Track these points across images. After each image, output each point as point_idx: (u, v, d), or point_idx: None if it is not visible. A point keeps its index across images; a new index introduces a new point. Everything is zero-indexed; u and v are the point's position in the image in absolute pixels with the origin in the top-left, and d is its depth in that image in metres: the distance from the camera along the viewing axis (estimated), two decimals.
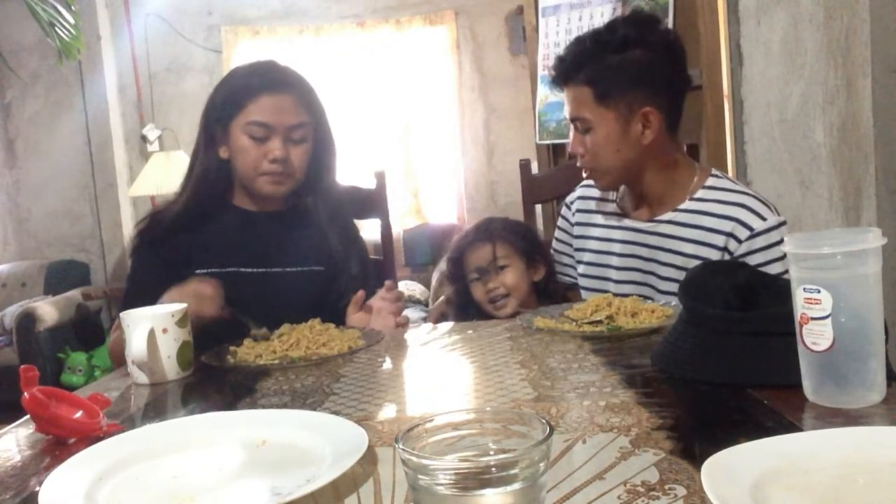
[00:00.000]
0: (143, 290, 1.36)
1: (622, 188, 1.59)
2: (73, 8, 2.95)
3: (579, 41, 1.50)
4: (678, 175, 1.51)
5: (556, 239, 1.75)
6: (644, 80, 1.44)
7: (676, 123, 1.51)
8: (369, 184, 1.89)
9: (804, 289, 0.77)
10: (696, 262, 1.41)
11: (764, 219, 1.41)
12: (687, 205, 1.48)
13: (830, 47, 2.00)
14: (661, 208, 1.51)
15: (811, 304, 0.76)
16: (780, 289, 0.87)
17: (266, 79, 1.46)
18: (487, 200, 4.69)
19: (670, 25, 2.40)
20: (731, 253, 1.42)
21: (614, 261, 1.56)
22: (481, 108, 4.73)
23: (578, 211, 1.68)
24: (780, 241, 1.39)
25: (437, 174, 4.80)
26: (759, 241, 1.40)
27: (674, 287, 1.44)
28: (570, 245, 1.69)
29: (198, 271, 1.44)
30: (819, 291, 0.76)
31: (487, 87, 4.71)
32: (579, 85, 1.46)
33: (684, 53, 1.51)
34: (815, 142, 2.14)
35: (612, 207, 1.60)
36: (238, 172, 1.50)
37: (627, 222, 1.56)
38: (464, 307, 1.65)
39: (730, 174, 1.64)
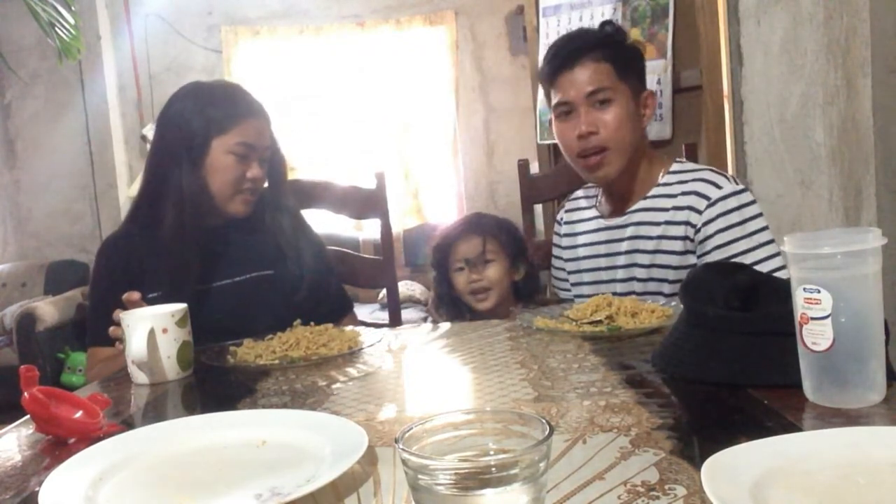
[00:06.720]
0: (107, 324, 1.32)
1: (599, 192, 1.65)
2: (73, 8, 2.95)
3: (584, 30, 1.65)
4: (647, 168, 1.56)
5: (553, 255, 1.78)
6: (642, 68, 1.58)
7: None
8: (369, 184, 1.89)
9: (804, 289, 0.77)
10: (667, 244, 1.47)
11: (720, 187, 1.46)
12: (654, 191, 1.54)
13: (830, 47, 2.01)
14: (631, 203, 1.56)
15: (811, 304, 0.76)
16: (780, 289, 0.87)
17: (250, 104, 1.56)
18: (487, 200, 4.69)
19: (670, 25, 2.40)
20: (693, 225, 1.45)
21: (601, 262, 1.60)
22: (481, 108, 4.73)
23: (566, 223, 1.72)
24: (738, 208, 1.43)
25: (436, 174, 4.80)
26: (716, 209, 1.44)
27: (655, 273, 1.48)
28: (562, 258, 1.72)
29: (150, 295, 1.40)
30: (819, 291, 0.76)
31: (487, 86, 4.71)
32: (598, 61, 1.51)
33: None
34: (815, 142, 2.14)
35: (592, 213, 1.65)
36: (213, 190, 1.51)
37: (606, 223, 1.59)
38: (444, 296, 1.73)
39: (730, 174, 1.67)
